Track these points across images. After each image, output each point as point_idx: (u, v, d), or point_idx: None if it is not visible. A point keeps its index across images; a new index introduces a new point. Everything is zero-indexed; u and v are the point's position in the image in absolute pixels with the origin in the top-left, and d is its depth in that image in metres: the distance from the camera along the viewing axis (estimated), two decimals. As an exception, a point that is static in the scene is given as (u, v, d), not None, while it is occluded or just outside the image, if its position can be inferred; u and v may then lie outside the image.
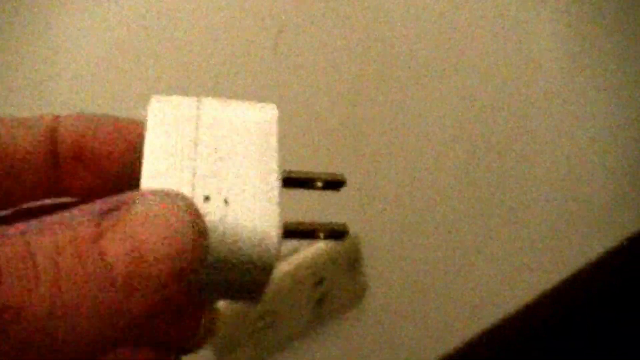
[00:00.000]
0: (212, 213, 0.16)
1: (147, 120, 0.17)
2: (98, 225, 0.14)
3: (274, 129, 0.18)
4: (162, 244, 0.14)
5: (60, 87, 0.41)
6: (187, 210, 0.14)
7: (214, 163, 0.16)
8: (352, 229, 0.57)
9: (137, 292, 0.13)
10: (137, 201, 0.14)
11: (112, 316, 0.13)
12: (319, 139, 0.53)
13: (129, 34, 0.42)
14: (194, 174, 0.16)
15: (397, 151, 0.58)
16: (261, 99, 0.49)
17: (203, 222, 0.15)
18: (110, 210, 0.14)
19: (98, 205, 0.14)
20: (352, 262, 0.57)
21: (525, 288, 0.74)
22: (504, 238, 0.70)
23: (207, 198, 0.16)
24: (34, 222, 0.14)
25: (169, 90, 0.44)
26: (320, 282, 0.55)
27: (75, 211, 0.14)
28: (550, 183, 0.72)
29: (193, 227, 0.14)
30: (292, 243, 0.52)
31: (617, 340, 0.80)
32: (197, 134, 0.17)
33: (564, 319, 0.77)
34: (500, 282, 0.72)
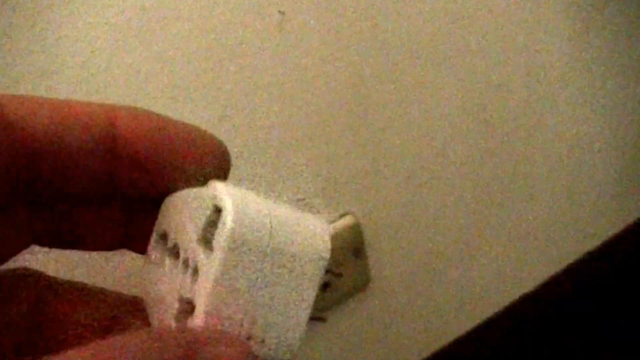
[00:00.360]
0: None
1: (222, 232, 0.17)
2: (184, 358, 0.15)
3: (323, 264, 0.19)
4: None
5: (65, 78, 0.41)
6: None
7: (262, 299, 0.17)
8: (355, 216, 0.57)
9: None
10: (210, 346, 0.15)
11: None
12: (320, 125, 0.53)
13: (131, 20, 0.42)
14: (245, 313, 0.17)
15: (400, 139, 0.58)
16: (264, 80, 0.48)
17: None
18: (189, 351, 0.15)
19: (180, 342, 0.15)
20: (356, 249, 0.57)
21: (530, 276, 0.74)
22: (508, 225, 0.70)
23: (248, 338, 0.17)
24: None
25: (177, 78, 0.44)
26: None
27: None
28: (554, 172, 0.71)
29: None
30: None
31: (618, 329, 0.80)
32: (261, 267, 0.17)
33: (568, 307, 0.77)
34: (504, 270, 0.72)
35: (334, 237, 0.55)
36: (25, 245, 0.19)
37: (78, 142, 0.17)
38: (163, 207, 0.19)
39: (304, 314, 0.19)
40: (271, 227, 0.17)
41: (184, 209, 0.18)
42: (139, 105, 0.19)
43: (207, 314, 0.16)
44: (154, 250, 0.19)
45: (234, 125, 0.47)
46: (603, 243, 0.78)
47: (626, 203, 0.79)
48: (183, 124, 0.19)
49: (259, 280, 0.17)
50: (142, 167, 0.18)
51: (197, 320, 0.16)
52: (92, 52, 0.41)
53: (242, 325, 0.17)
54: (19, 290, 0.18)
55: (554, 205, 0.73)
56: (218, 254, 0.17)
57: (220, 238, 0.17)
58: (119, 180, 0.18)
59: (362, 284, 0.60)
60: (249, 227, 0.17)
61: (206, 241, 0.17)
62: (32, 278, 0.19)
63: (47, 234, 0.19)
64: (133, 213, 0.20)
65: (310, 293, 0.19)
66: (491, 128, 0.64)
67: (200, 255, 0.17)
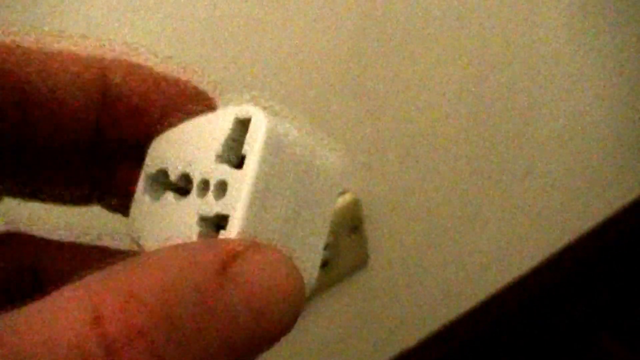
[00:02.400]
0: None
1: (256, 142, 0.16)
2: (220, 272, 0.13)
3: (338, 191, 0.18)
4: (285, 301, 0.14)
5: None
6: (295, 274, 0.15)
7: (292, 216, 0.16)
8: (354, 192, 0.57)
9: (256, 345, 0.13)
10: (252, 254, 0.14)
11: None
12: (318, 103, 0.52)
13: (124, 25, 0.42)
14: (276, 231, 0.16)
15: (398, 118, 0.58)
16: (260, 56, 0.48)
17: (304, 289, 0.15)
18: (228, 261, 0.14)
19: (215, 253, 0.14)
20: (355, 227, 0.57)
21: (529, 253, 0.74)
22: (508, 202, 0.70)
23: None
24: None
25: (172, 49, 0.43)
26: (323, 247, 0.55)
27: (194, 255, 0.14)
28: (554, 148, 0.71)
29: (302, 287, 0.15)
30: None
31: (616, 308, 0.80)
32: (294, 178, 0.16)
33: (568, 283, 0.77)
34: (504, 247, 0.72)
35: (333, 215, 0.55)
36: None
37: (68, 91, 0.17)
38: (154, 146, 0.18)
39: (322, 242, 0.17)
40: (298, 136, 0.17)
41: (190, 137, 0.17)
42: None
43: (245, 221, 0.15)
44: (147, 192, 0.18)
45: (228, 101, 0.47)
46: (602, 221, 0.78)
47: (625, 180, 0.79)
48: (170, 75, 0.18)
49: (290, 193, 0.16)
50: (132, 118, 0.18)
51: (233, 230, 0.15)
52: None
53: (273, 242, 0.15)
54: (6, 251, 0.18)
55: (553, 181, 0.73)
56: (255, 159, 0.15)
57: (256, 143, 0.15)
58: (106, 131, 0.18)
59: (360, 261, 0.60)
60: (280, 134, 0.16)
61: (228, 158, 0.16)
62: (19, 238, 0.19)
63: (21, 185, 0.18)
64: (111, 167, 0.19)
65: (327, 220, 0.17)
66: (489, 104, 0.64)
67: (225, 169, 0.16)
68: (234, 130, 0.16)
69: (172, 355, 0.12)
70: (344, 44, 0.52)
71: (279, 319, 0.14)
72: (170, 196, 0.17)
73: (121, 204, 0.19)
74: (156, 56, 0.21)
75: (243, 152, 0.16)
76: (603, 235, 0.78)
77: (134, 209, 0.18)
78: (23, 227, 0.19)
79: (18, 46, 0.17)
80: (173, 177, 0.17)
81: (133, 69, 0.18)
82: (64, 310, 0.12)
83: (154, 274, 0.12)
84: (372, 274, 0.62)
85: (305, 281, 0.15)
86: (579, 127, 0.72)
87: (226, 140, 0.16)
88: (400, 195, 0.61)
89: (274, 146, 0.16)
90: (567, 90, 0.69)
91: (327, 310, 0.61)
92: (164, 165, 0.17)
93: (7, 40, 0.17)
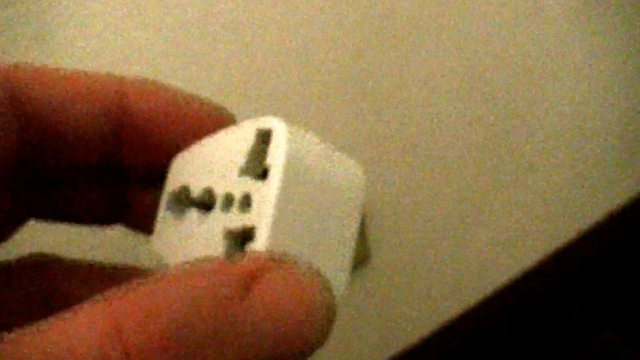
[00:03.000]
0: None
1: (279, 154, 0.15)
2: (244, 289, 0.13)
3: (361, 203, 0.18)
4: (313, 319, 0.14)
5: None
6: (324, 288, 0.14)
7: (319, 230, 0.16)
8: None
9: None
10: (277, 269, 0.14)
11: None
12: (319, 101, 0.52)
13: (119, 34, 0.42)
14: (303, 245, 0.15)
15: (399, 113, 0.58)
16: (263, 52, 0.48)
17: (334, 301, 0.15)
18: (252, 277, 0.13)
19: (240, 270, 0.13)
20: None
21: (530, 250, 0.74)
22: (509, 199, 0.70)
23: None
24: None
25: (174, 45, 0.43)
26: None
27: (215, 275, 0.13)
28: (556, 146, 0.71)
29: (332, 304, 0.14)
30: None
31: (622, 300, 0.80)
32: (317, 192, 0.16)
33: (570, 280, 0.77)
34: (505, 244, 0.72)
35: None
36: (23, 219, 0.18)
37: (87, 113, 0.17)
38: (175, 164, 0.18)
39: (349, 254, 0.17)
40: (319, 146, 0.16)
41: (212, 153, 0.17)
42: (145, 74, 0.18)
43: (272, 232, 0.14)
44: (169, 210, 0.17)
45: (232, 96, 0.47)
46: (604, 218, 0.78)
47: (627, 176, 0.79)
48: (190, 94, 0.18)
49: (315, 203, 0.16)
50: (151, 139, 0.18)
51: (260, 242, 0.14)
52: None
53: (300, 254, 0.15)
54: (32, 278, 0.18)
55: (554, 178, 0.73)
56: (279, 169, 0.15)
57: (279, 154, 0.15)
58: (125, 152, 0.18)
59: (362, 259, 0.60)
60: (302, 144, 0.16)
61: (252, 171, 0.16)
62: (45, 264, 0.18)
63: (45, 208, 0.18)
64: (131, 188, 0.19)
65: (354, 231, 0.17)
66: (490, 103, 0.64)
67: (249, 183, 0.15)
68: (256, 142, 0.16)
69: None
70: (345, 43, 0.52)
71: (309, 335, 0.13)
72: (194, 213, 0.17)
73: (145, 223, 0.19)
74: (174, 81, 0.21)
75: (266, 164, 0.15)
76: (605, 231, 0.78)
77: (158, 228, 0.18)
78: (49, 250, 0.19)
79: (34, 67, 0.17)
80: (196, 193, 0.17)
81: (151, 89, 0.18)
82: (85, 322, 0.12)
83: (176, 290, 0.12)
84: (374, 271, 0.62)
85: (335, 293, 0.15)
86: (580, 125, 0.72)
87: (249, 153, 0.16)
88: (402, 193, 0.61)
89: (297, 156, 0.15)
90: (568, 89, 0.69)
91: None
92: (186, 182, 0.17)
93: (26, 66, 0.17)
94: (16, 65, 0.16)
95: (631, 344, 0.76)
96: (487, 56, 0.62)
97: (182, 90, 0.18)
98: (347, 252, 0.17)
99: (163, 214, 0.18)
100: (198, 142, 0.17)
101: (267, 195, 0.15)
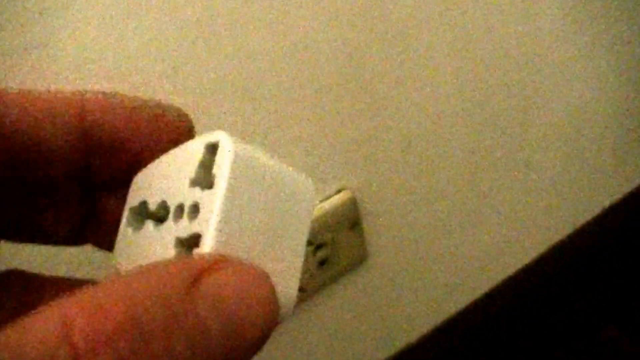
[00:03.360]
0: None
1: (223, 166, 0.16)
2: (189, 285, 0.13)
3: (311, 212, 0.18)
4: (256, 313, 0.14)
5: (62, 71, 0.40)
6: (267, 285, 0.15)
7: (266, 237, 0.17)
8: (351, 191, 0.56)
9: (228, 357, 0.14)
10: (223, 269, 0.14)
11: None
12: (315, 100, 0.52)
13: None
14: (250, 251, 0.16)
15: (395, 113, 0.57)
16: (257, 54, 0.47)
17: (277, 300, 0.15)
18: (197, 274, 0.14)
19: (185, 269, 0.14)
20: (353, 224, 0.57)
21: (528, 247, 0.74)
22: (506, 196, 0.70)
23: None
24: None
25: (169, 47, 0.43)
26: (320, 246, 0.54)
27: (162, 273, 0.14)
28: (553, 141, 0.71)
29: (274, 300, 0.15)
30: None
31: (626, 296, 0.80)
32: (264, 200, 0.17)
33: (572, 275, 0.77)
34: (502, 241, 0.72)
35: (331, 213, 0.55)
36: None
37: (50, 132, 0.17)
38: (135, 181, 0.19)
39: (299, 262, 0.18)
40: (266, 159, 0.17)
41: (167, 168, 0.18)
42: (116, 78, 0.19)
43: (217, 237, 0.15)
44: (130, 224, 0.18)
45: (225, 100, 0.46)
46: (604, 212, 0.77)
47: (624, 171, 0.79)
48: (151, 101, 0.18)
49: (262, 211, 0.16)
50: (116, 150, 0.18)
51: (206, 246, 0.15)
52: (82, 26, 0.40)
53: (247, 258, 0.16)
54: (12, 291, 0.18)
55: (552, 174, 0.72)
56: (223, 177, 0.16)
57: (224, 163, 0.16)
58: (94, 166, 0.18)
59: (359, 259, 0.60)
60: (247, 154, 0.16)
61: (201, 182, 0.17)
62: (13, 280, 0.19)
63: (14, 228, 0.19)
64: (102, 202, 0.20)
65: (304, 239, 0.18)
66: (487, 100, 0.63)
67: (197, 193, 0.16)
68: (205, 155, 0.17)
69: None
70: (341, 41, 0.51)
71: (252, 332, 0.14)
72: (150, 225, 0.18)
73: (112, 240, 0.19)
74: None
75: (212, 173, 0.16)
76: (606, 226, 0.78)
77: (118, 242, 0.19)
78: (22, 266, 0.19)
79: None
80: (152, 207, 0.18)
81: (111, 102, 0.18)
82: (35, 325, 0.12)
83: (123, 288, 0.13)
84: (371, 270, 0.62)
85: (283, 296, 0.16)
86: (577, 121, 0.72)
87: (199, 166, 0.17)
88: (399, 191, 0.60)
89: (242, 165, 0.16)
90: (565, 85, 0.69)
91: (327, 307, 0.61)
92: (144, 197, 0.18)
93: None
94: None
95: (635, 340, 0.76)
96: (483, 55, 0.61)
97: (143, 98, 0.19)
98: (297, 260, 0.18)
99: (123, 228, 0.19)
100: (156, 159, 0.18)
101: (212, 202, 0.16)
